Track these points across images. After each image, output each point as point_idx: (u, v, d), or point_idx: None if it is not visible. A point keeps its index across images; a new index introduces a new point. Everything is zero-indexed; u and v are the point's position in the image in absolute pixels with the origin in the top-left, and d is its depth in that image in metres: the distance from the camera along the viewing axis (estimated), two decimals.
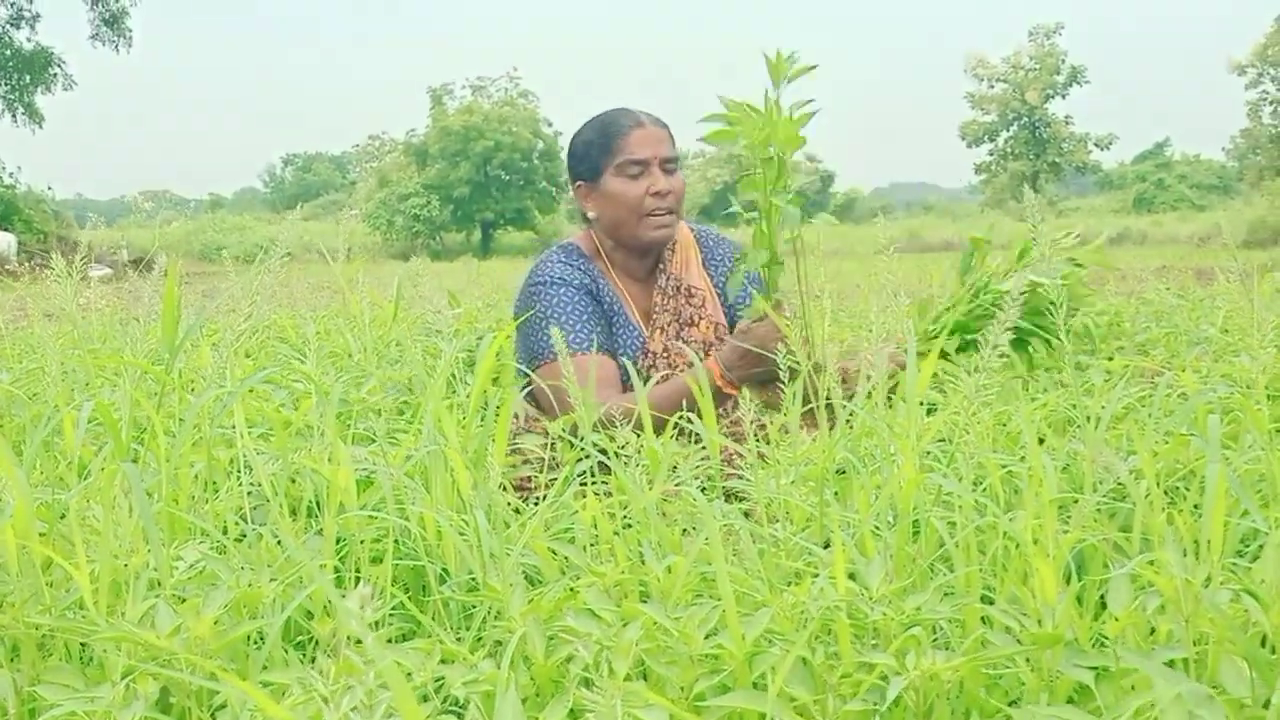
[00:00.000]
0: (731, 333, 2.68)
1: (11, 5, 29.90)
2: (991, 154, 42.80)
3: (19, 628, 1.32)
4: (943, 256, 16.64)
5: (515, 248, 40.04)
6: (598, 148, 2.63)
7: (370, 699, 0.76)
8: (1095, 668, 1.18)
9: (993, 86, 41.86)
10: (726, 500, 1.78)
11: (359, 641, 0.78)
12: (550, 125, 46.01)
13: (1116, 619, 1.18)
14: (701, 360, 2.57)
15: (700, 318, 2.68)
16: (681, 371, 2.57)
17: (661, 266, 2.71)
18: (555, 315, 2.55)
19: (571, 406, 1.90)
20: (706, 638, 1.20)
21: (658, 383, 2.41)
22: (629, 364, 2.35)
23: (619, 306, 2.66)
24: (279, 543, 1.56)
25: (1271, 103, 36.92)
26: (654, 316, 2.67)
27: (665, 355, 2.62)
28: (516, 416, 2.55)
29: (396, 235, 41.39)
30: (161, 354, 1.85)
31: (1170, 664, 1.15)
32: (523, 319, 2.56)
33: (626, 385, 2.46)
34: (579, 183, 2.69)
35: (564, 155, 2.77)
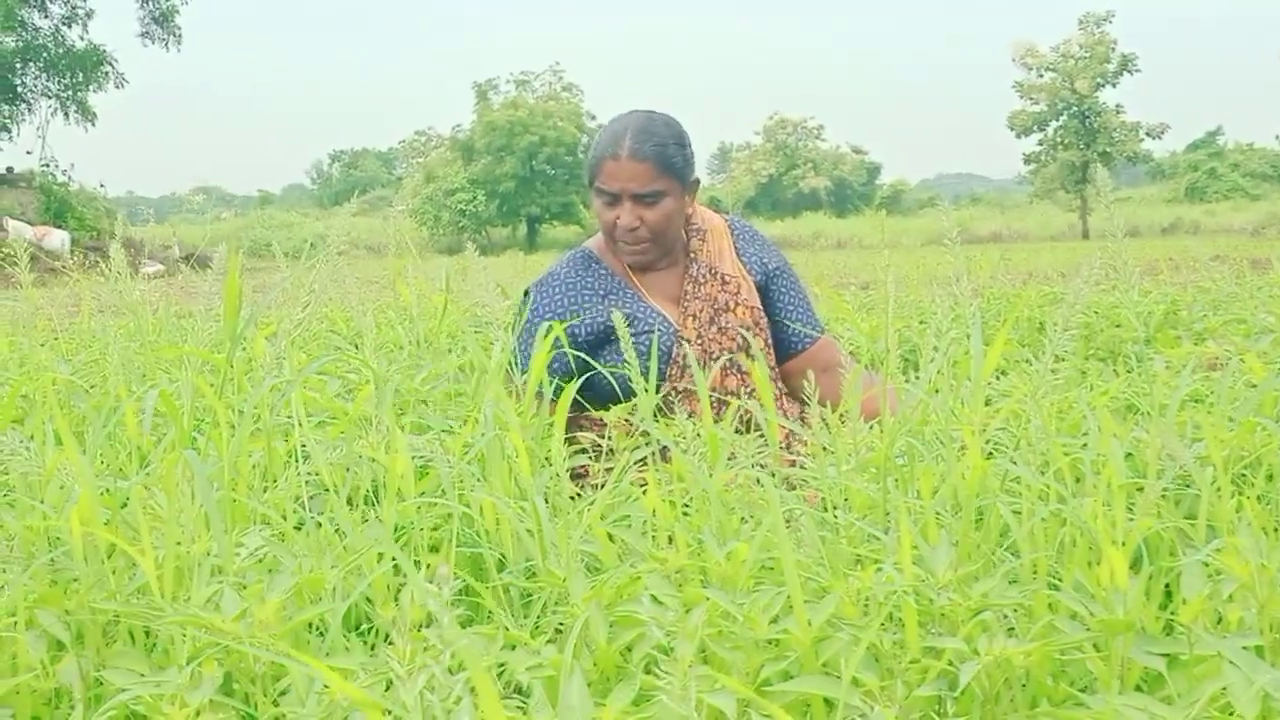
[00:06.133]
0: (768, 316, 2.69)
1: (66, 3, 30.21)
2: (1041, 144, 42.18)
3: (85, 613, 1.33)
4: (992, 248, 16.53)
5: (561, 242, 40.14)
6: (589, 162, 2.63)
7: (446, 679, 0.76)
8: (1167, 655, 1.15)
9: (1042, 75, 41.25)
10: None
11: (424, 626, 0.78)
12: (594, 119, 46.05)
13: (1188, 604, 1.16)
14: (742, 346, 2.57)
15: (736, 303, 2.66)
16: (717, 358, 2.55)
17: (692, 255, 2.70)
18: (527, 331, 2.65)
19: None
20: (770, 623, 1.19)
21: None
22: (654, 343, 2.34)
23: (634, 297, 2.64)
24: (338, 531, 1.57)
25: None
26: (685, 304, 2.65)
27: (699, 341, 2.60)
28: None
29: (443, 230, 41.64)
30: (220, 345, 1.86)
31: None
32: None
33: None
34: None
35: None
